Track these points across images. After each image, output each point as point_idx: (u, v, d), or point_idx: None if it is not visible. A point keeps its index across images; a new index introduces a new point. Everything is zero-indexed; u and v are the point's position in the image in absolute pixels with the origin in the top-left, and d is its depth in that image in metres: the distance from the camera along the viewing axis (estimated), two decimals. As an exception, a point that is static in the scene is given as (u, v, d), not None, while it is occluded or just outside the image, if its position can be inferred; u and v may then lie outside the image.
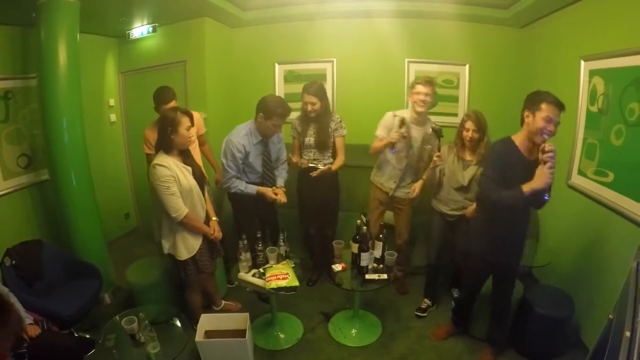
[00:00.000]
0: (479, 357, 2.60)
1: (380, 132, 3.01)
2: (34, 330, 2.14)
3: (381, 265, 2.75)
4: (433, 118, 3.08)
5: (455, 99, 4.04)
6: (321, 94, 3.02)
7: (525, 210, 2.26)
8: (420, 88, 2.81)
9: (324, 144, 3.12)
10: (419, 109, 2.86)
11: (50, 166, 3.05)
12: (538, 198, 2.00)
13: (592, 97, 2.66)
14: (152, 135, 2.77)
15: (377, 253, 2.75)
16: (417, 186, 2.99)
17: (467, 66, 3.96)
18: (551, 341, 2.53)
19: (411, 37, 3.92)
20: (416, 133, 2.96)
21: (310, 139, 3.13)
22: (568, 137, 2.89)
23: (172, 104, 2.93)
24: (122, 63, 4.30)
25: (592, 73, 2.65)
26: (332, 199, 3.33)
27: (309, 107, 3.01)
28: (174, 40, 4.00)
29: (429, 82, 2.84)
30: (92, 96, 3.85)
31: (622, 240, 2.33)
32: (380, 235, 2.75)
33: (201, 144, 3.40)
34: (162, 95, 2.96)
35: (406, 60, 4.02)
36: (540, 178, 1.94)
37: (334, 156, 3.21)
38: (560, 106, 1.97)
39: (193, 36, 3.91)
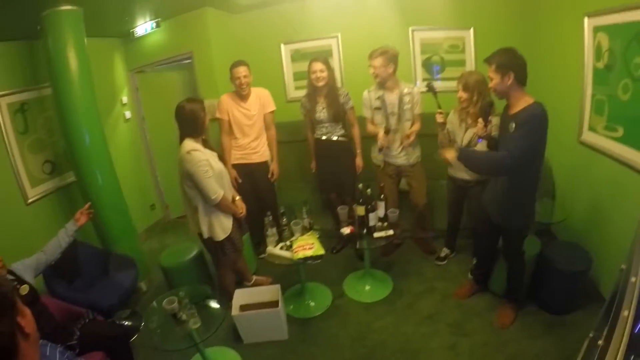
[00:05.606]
0: (499, 312, 2.71)
1: (365, 112, 3.21)
2: None
3: (385, 223, 2.94)
4: (441, 84, 3.25)
5: (462, 63, 4.02)
6: (327, 63, 3.15)
7: (514, 176, 2.23)
8: (370, 62, 2.96)
9: (336, 116, 3.24)
10: (374, 80, 3.03)
11: (75, 169, 3.17)
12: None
13: (598, 54, 2.65)
14: (227, 101, 3.26)
15: (380, 212, 2.94)
16: (410, 133, 3.04)
17: (472, 30, 3.93)
18: (570, 294, 2.63)
19: (413, 5, 3.89)
20: (391, 98, 3.04)
21: (321, 114, 3.25)
22: (576, 94, 2.90)
23: (245, 68, 3.20)
24: (130, 61, 4.37)
25: (597, 29, 2.64)
26: (349, 168, 3.41)
27: (318, 74, 3.11)
28: (178, 33, 4.03)
29: (374, 54, 2.92)
30: (105, 97, 3.92)
31: (634, 193, 2.38)
32: (382, 196, 2.93)
33: (267, 127, 3.43)
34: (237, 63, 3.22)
35: (410, 28, 4.00)
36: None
37: (345, 128, 3.36)
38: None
39: (196, 27, 3.94)
